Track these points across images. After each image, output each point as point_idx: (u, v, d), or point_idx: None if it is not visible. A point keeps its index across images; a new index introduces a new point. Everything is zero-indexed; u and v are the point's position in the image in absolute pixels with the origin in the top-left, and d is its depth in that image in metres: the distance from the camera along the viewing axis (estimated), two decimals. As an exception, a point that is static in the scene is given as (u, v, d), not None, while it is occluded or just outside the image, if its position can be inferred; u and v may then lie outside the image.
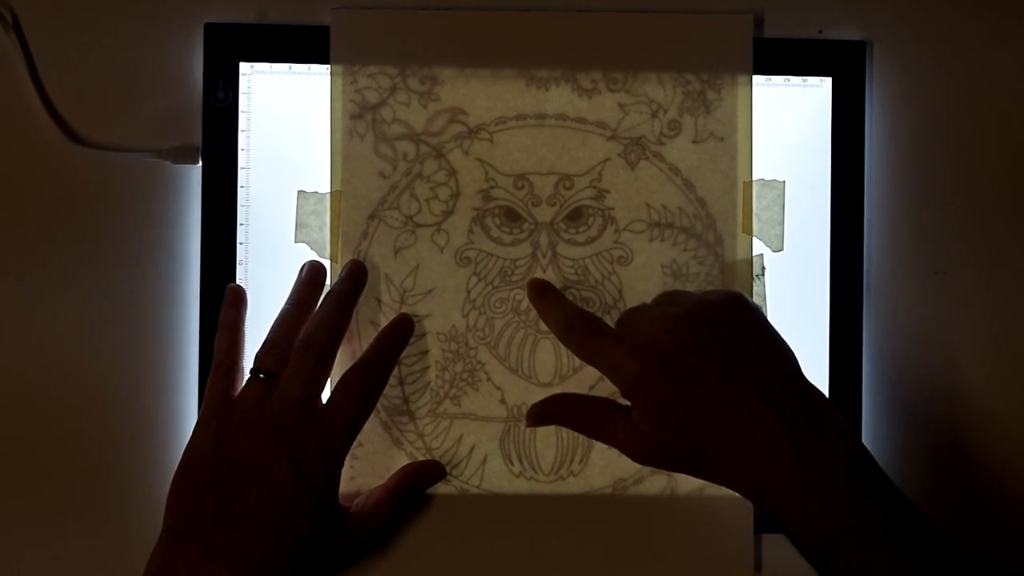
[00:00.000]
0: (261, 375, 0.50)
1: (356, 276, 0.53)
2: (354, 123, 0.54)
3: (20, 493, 0.55)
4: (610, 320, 0.53)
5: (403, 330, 0.53)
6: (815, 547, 0.45)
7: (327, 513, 0.49)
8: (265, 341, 0.51)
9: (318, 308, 0.52)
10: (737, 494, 0.54)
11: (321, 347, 0.50)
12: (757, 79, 0.55)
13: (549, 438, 0.55)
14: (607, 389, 0.54)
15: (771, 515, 0.46)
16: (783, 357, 0.48)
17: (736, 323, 0.48)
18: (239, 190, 0.55)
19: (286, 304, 0.52)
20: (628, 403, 0.48)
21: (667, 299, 0.52)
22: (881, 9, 0.57)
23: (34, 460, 0.55)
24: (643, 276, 0.55)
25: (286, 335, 0.51)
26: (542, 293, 0.54)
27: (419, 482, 0.53)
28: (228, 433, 0.48)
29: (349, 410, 0.50)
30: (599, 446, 0.55)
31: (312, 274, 0.53)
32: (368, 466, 0.54)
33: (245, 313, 0.53)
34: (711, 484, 0.54)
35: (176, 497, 0.48)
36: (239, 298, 0.53)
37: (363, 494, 0.53)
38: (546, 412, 0.52)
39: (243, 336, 0.53)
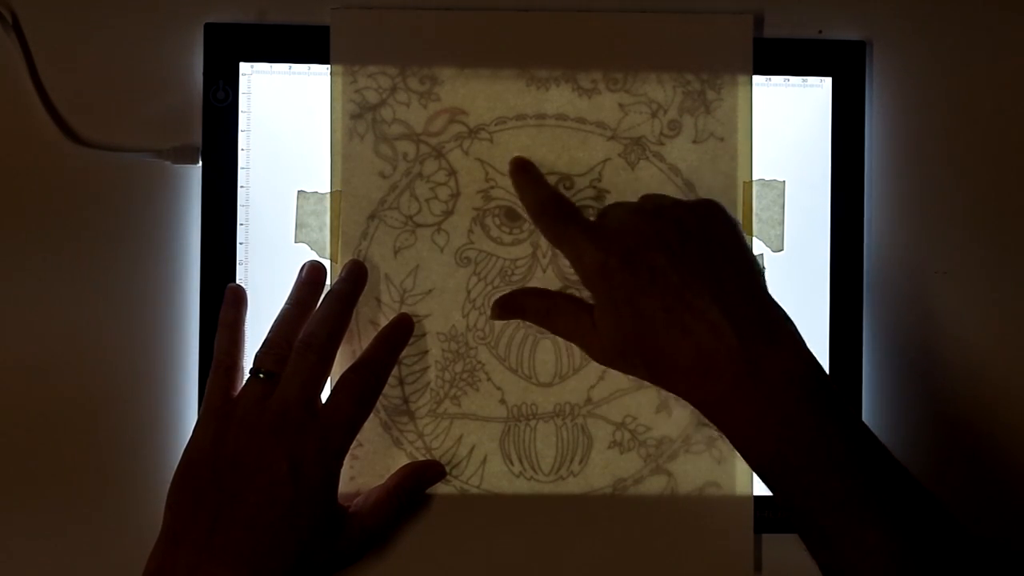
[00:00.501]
0: (261, 375, 0.50)
1: (356, 276, 0.53)
2: (354, 123, 0.54)
3: (19, 492, 0.55)
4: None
5: (403, 330, 0.53)
6: (764, 463, 0.44)
7: (326, 513, 0.49)
8: (265, 341, 0.51)
9: (318, 308, 0.52)
10: (737, 494, 0.55)
11: (320, 347, 0.50)
12: (757, 79, 0.55)
13: (549, 438, 0.55)
14: (609, 387, 0.55)
15: (720, 428, 0.45)
16: (748, 270, 0.47)
17: (706, 229, 0.48)
18: (239, 190, 0.55)
19: (286, 304, 0.52)
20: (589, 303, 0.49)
21: (647, 198, 0.51)
22: (881, 9, 0.57)
23: (34, 460, 0.55)
24: (643, 276, 0.55)
25: (286, 335, 0.51)
26: (522, 169, 0.54)
27: (419, 482, 0.53)
28: (228, 433, 0.48)
29: (348, 410, 0.50)
30: (599, 446, 0.55)
31: (312, 274, 0.53)
32: (368, 466, 0.54)
33: (245, 313, 0.53)
34: (711, 483, 0.55)
35: (175, 497, 0.48)
36: (239, 298, 0.53)
37: (362, 494, 0.53)
38: (510, 305, 0.53)
39: (243, 336, 0.53)
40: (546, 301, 0.52)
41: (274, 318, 0.52)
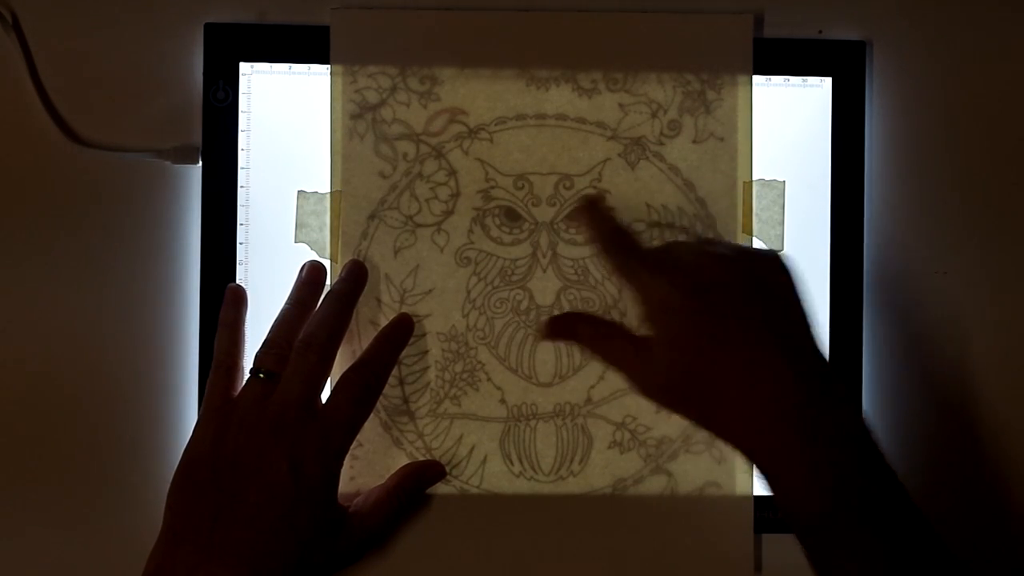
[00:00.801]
0: (261, 375, 0.50)
1: (356, 276, 0.53)
2: (354, 123, 0.54)
3: (19, 492, 0.55)
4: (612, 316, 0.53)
5: (403, 330, 0.53)
6: (811, 521, 0.44)
7: (326, 513, 0.49)
8: (265, 341, 0.51)
9: (318, 308, 0.52)
10: (737, 494, 0.55)
11: (321, 347, 0.50)
12: (757, 79, 0.55)
13: (549, 438, 0.55)
14: (609, 387, 0.55)
15: (769, 480, 0.45)
16: (808, 324, 0.47)
17: (772, 279, 0.47)
18: (239, 190, 0.55)
19: (286, 304, 0.52)
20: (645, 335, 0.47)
21: (712, 242, 0.51)
22: (881, 9, 0.57)
23: (34, 459, 0.55)
24: (643, 276, 0.55)
25: (286, 335, 0.51)
26: (592, 205, 0.53)
27: (418, 482, 0.54)
28: (228, 433, 0.48)
29: (348, 410, 0.50)
30: (599, 446, 0.55)
31: (312, 274, 0.53)
32: (368, 466, 0.54)
33: (245, 313, 0.53)
34: (711, 483, 0.55)
35: (175, 496, 0.48)
36: (239, 298, 0.53)
37: (362, 494, 0.53)
38: (561, 327, 0.52)
39: (243, 336, 0.53)
40: (599, 328, 0.51)
41: (274, 318, 0.52)
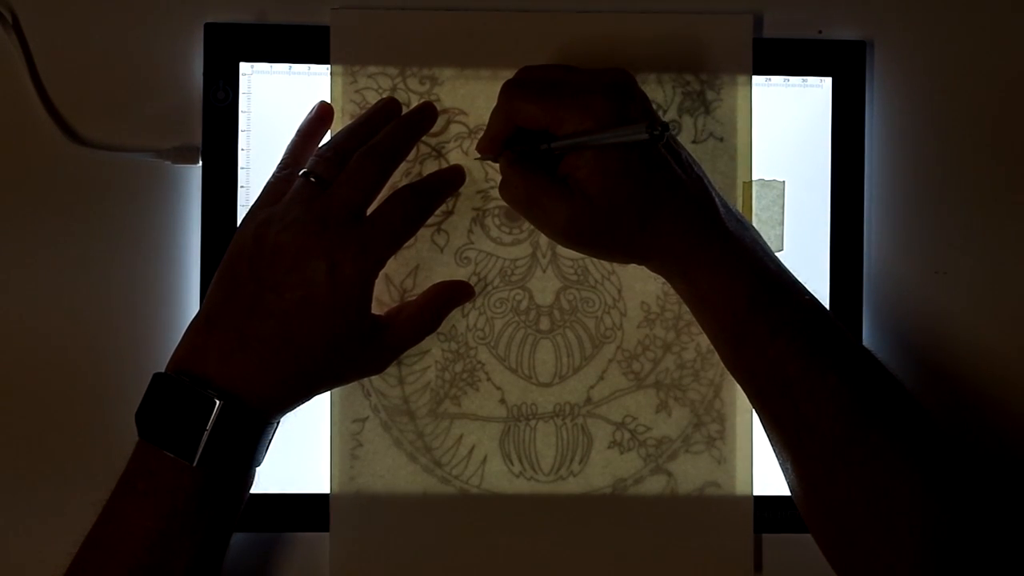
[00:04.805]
0: (312, 179, 0.49)
1: (426, 112, 0.54)
2: (354, 123, 0.54)
3: (19, 491, 0.55)
4: (608, 321, 0.53)
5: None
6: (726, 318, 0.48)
7: (359, 318, 0.49)
8: (320, 148, 0.51)
9: (385, 129, 0.52)
10: (737, 494, 0.54)
11: (381, 158, 0.50)
12: (757, 79, 0.55)
13: (549, 438, 0.55)
14: (609, 387, 0.55)
15: (693, 287, 0.49)
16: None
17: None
18: (239, 190, 0.55)
19: (353, 122, 0.52)
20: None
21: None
22: (881, 9, 0.57)
23: (34, 459, 0.55)
24: (643, 276, 0.55)
25: (344, 146, 0.51)
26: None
27: (448, 301, 0.54)
28: (270, 228, 0.48)
29: (396, 224, 0.49)
30: (598, 446, 0.55)
31: (388, 104, 0.54)
32: (368, 466, 0.54)
33: (325, 131, 0.54)
34: (711, 483, 0.55)
35: (214, 285, 0.49)
36: (325, 115, 0.54)
37: (395, 306, 0.53)
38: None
39: (314, 147, 0.52)
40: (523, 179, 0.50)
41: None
